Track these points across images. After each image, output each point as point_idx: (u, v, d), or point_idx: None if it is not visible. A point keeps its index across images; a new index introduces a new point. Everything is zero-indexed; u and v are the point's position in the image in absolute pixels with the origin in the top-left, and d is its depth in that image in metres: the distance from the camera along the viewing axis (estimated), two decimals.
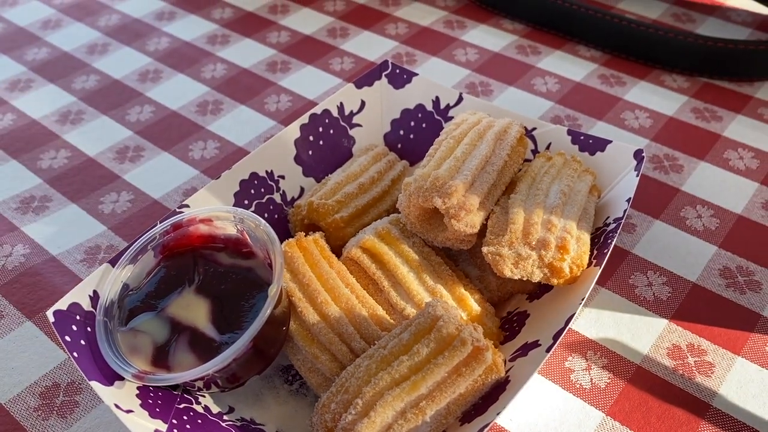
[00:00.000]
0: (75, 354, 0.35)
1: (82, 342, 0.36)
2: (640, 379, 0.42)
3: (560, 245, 0.39)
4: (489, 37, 0.72)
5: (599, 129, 0.60)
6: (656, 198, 0.54)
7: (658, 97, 0.64)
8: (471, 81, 0.66)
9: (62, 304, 0.37)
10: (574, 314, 0.37)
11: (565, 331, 0.37)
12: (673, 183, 0.55)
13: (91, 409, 0.40)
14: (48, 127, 0.62)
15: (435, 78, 0.66)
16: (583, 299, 0.38)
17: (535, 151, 0.50)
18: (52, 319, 0.36)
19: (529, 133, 0.50)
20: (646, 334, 0.44)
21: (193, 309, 0.38)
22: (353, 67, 0.68)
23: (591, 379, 0.42)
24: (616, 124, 0.61)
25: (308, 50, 0.71)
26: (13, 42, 0.73)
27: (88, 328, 0.37)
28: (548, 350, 0.36)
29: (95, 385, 0.34)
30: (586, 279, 0.40)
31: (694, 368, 0.42)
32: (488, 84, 0.66)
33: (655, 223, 0.52)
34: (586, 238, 0.41)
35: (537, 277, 0.40)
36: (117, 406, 0.34)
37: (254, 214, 0.40)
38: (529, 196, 0.43)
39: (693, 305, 0.46)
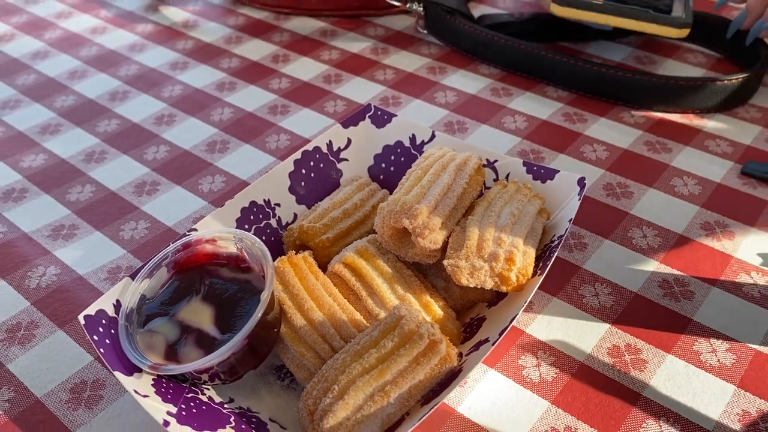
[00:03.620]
0: (101, 350, 0.43)
1: (107, 341, 0.44)
2: (583, 374, 0.49)
3: (508, 258, 0.47)
4: (467, 81, 0.80)
5: (560, 161, 0.68)
6: (607, 220, 0.61)
7: (615, 132, 0.71)
8: (449, 120, 0.74)
9: (91, 310, 0.45)
10: (516, 315, 0.44)
11: (508, 329, 0.44)
12: (623, 207, 0.62)
13: (113, 402, 0.48)
14: (75, 165, 0.71)
15: (418, 117, 0.74)
16: (525, 302, 0.45)
17: (496, 180, 0.58)
18: (83, 322, 0.44)
19: (491, 164, 0.58)
20: (590, 337, 0.51)
21: (200, 314, 0.45)
22: (345, 109, 0.77)
23: (540, 374, 0.49)
24: (576, 157, 0.68)
25: (305, 95, 0.79)
26: (44, 90, 0.83)
27: (112, 331, 0.45)
28: (493, 344, 0.43)
29: (118, 375, 0.42)
30: (530, 286, 0.47)
31: (630, 364, 0.49)
32: (464, 123, 0.74)
33: (604, 242, 0.59)
34: (532, 252, 0.49)
35: (489, 284, 0.47)
36: (136, 392, 0.41)
37: (251, 235, 0.48)
38: (484, 217, 0.50)
39: (633, 312, 0.53)
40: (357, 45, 0.89)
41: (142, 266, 0.48)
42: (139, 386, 0.42)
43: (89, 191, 0.67)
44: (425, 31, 0.89)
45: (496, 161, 0.58)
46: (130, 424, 0.46)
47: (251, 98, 0.79)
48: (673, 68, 0.82)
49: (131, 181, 0.68)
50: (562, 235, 0.50)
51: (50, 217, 0.64)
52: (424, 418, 0.40)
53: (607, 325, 0.52)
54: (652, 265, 0.57)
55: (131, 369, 0.43)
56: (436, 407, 0.41)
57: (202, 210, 0.64)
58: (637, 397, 0.47)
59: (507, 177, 0.57)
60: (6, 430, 0.46)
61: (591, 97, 0.77)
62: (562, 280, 0.56)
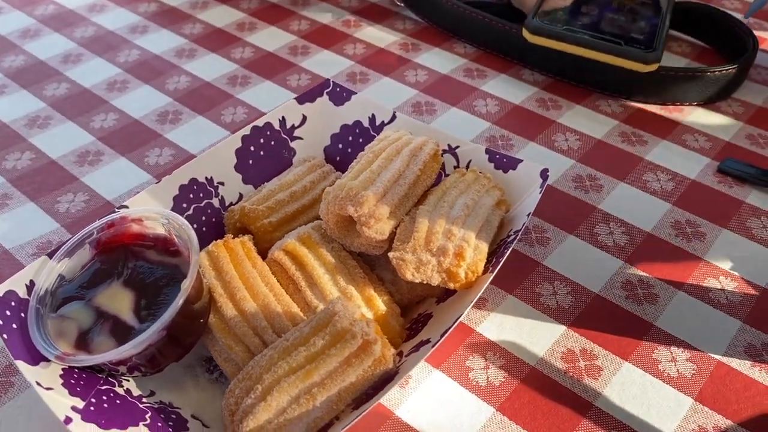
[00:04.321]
0: (5, 336, 0.39)
1: (14, 326, 0.40)
2: (533, 380, 0.46)
3: (457, 252, 0.43)
4: (440, 60, 0.76)
5: (530, 149, 0.64)
6: (573, 215, 0.58)
7: (589, 121, 0.68)
8: (417, 101, 0.70)
9: (1, 288, 0.41)
10: (461, 316, 0.41)
11: (450, 330, 0.40)
12: (591, 201, 0.59)
13: (25, 389, 0.44)
14: (16, 130, 0.66)
15: (385, 97, 0.70)
16: (472, 302, 0.42)
17: (457, 167, 0.54)
18: None
19: (452, 150, 0.54)
20: (543, 339, 0.48)
21: (118, 299, 0.41)
22: (309, 84, 0.72)
23: (487, 377, 0.46)
24: (546, 145, 0.65)
25: (269, 66, 0.75)
26: None
27: (22, 314, 0.41)
28: (434, 345, 0.40)
29: (20, 364, 0.38)
30: (480, 284, 0.44)
31: (584, 371, 0.46)
32: (433, 104, 0.70)
33: (568, 238, 0.56)
34: (484, 247, 0.45)
35: (436, 281, 0.44)
36: (38, 384, 0.38)
37: (180, 216, 0.44)
38: (436, 208, 0.47)
39: (592, 314, 0.50)
40: (328, 15, 0.84)
41: (62, 244, 0.44)
42: (45, 377, 0.38)
43: (28, 158, 0.63)
44: (402, 4, 0.85)
45: (457, 147, 0.54)
46: (41, 413, 0.43)
47: (211, 67, 0.75)
48: None
49: (74, 149, 0.64)
50: (519, 230, 0.46)
51: None
52: (352, 423, 0.37)
53: (563, 327, 0.49)
54: (617, 265, 0.54)
55: (38, 358, 0.39)
56: (365, 412, 0.37)
57: (146, 185, 0.60)
58: (589, 407, 0.44)
59: (468, 165, 0.54)
60: None
61: (568, 82, 0.73)
62: (519, 276, 0.52)
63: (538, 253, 0.54)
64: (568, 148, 0.65)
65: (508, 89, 0.72)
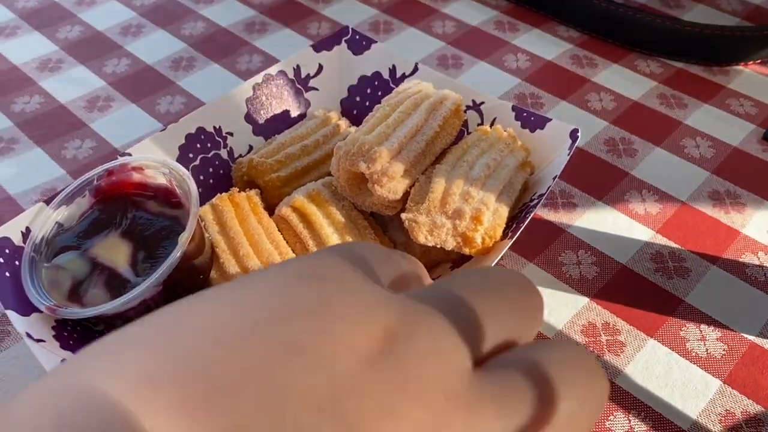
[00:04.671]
0: None
1: (7, 274, 0.39)
2: None
3: (475, 216, 0.40)
4: (470, 11, 0.72)
5: (561, 109, 0.60)
6: (604, 180, 0.54)
7: (626, 81, 0.63)
8: (443, 53, 0.67)
9: None
10: None
11: None
12: (623, 166, 0.55)
13: (20, 340, 0.43)
14: (27, 73, 0.64)
15: (409, 49, 0.67)
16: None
17: (481, 125, 0.51)
18: None
19: (476, 106, 0.51)
20: (564, 311, 0.45)
21: (115, 251, 0.39)
22: (329, 33, 0.69)
23: None
24: (579, 105, 0.61)
25: (288, 12, 0.72)
26: None
27: (17, 262, 0.39)
28: None
29: (11, 314, 0.37)
30: (497, 250, 0.41)
31: (605, 346, 0.43)
32: (460, 57, 0.66)
33: (596, 204, 0.52)
34: (504, 211, 0.42)
35: (450, 245, 0.41)
36: (28, 335, 0.36)
37: (181, 166, 0.42)
38: (455, 167, 0.43)
39: (617, 286, 0.47)
40: None
41: (61, 191, 0.42)
42: (35, 329, 0.37)
43: (36, 102, 0.61)
44: None
45: (482, 103, 0.51)
46: (37, 365, 0.42)
47: (228, 12, 0.72)
48: (703, 14, 0.72)
49: (84, 94, 0.62)
50: (543, 194, 0.43)
51: None
52: None
53: (585, 299, 0.46)
54: (647, 235, 0.50)
55: (30, 309, 0.38)
56: None
57: (152, 133, 0.57)
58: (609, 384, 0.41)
59: (492, 123, 0.50)
60: None
61: (605, 40, 0.68)
62: (541, 243, 0.49)
63: (564, 219, 0.51)
64: (602, 109, 0.60)
65: (542, 44, 0.68)
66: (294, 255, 0.43)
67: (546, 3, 0.71)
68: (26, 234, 0.41)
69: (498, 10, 0.73)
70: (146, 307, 0.39)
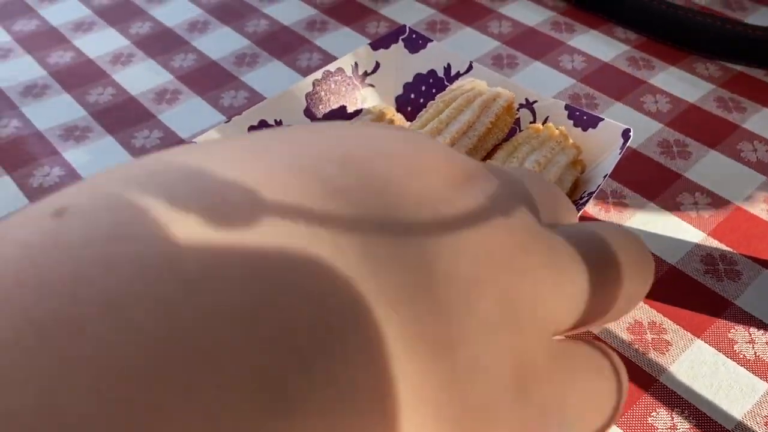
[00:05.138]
0: None
1: None
2: None
3: None
4: (526, 12, 0.73)
5: (615, 110, 0.61)
6: (656, 181, 0.54)
7: (684, 84, 0.63)
8: (498, 53, 0.68)
9: None
10: None
11: None
12: (677, 168, 0.55)
13: None
14: (101, 66, 0.68)
15: (464, 47, 0.68)
16: None
17: (533, 123, 0.51)
18: None
19: (529, 104, 0.52)
20: None
21: None
22: (387, 32, 0.71)
23: None
24: (634, 107, 0.61)
25: (347, 13, 0.74)
26: None
27: None
28: None
29: None
30: None
31: (651, 344, 0.44)
32: (515, 57, 0.67)
33: (648, 205, 0.52)
34: None
35: None
36: None
37: None
38: (505, 163, 0.45)
39: (665, 286, 0.47)
40: None
41: None
42: None
43: (109, 94, 0.64)
44: None
45: (535, 102, 0.52)
46: None
47: (290, 11, 0.74)
48: (766, 17, 0.71)
49: (153, 87, 0.65)
50: (593, 192, 0.44)
51: (66, 117, 0.62)
52: None
53: None
54: (698, 237, 0.50)
55: None
56: None
57: (217, 125, 0.60)
58: (653, 381, 0.42)
59: (545, 121, 0.51)
60: None
61: (663, 42, 0.68)
62: None
63: (614, 218, 0.51)
64: (657, 111, 0.60)
65: (598, 46, 0.68)
66: None
67: (603, 4, 0.71)
68: None
69: (555, 11, 0.73)
70: None
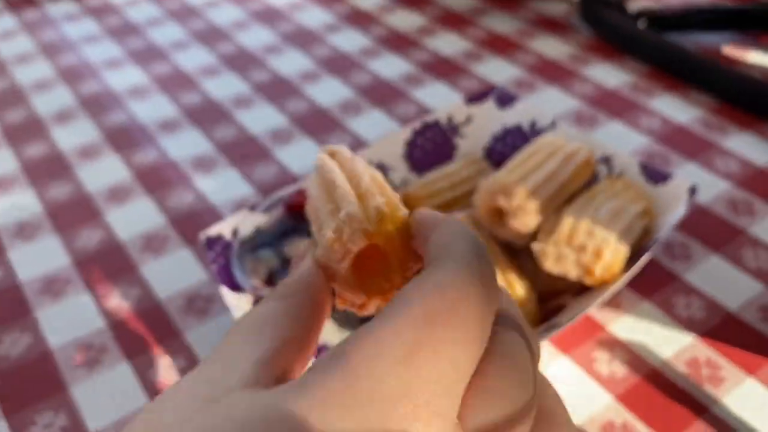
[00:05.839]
0: (215, 266, 0.49)
1: (221, 260, 0.50)
2: (654, 377, 0.49)
3: (596, 251, 0.48)
4: (608, 74, 0.79)
5: (687, 168, 0.66)
6: (721, 235, 0.59)
7: (753, 149, 0.68)
8: (581, 111, 0.74)
9: (212, 232, 0.52)
10: (590, 306, 0.45)
11: (579, 316, 0.45)
12: (741, 225, 0.60)
13: (220, 315, 0.55)
14: (226, 108, 0.79)
15: (550, 106, 0.75)
16: (603, 297, 0.46)
17: (609, 176, 0.58)
18: (204, 240, 0.51)
19: (606, 159, 0.58)
20: (671, 344, 0.51)
21: (300, 250, 0.50)
22: (479, 88, 0.79)
23: (610, 369, 0.49)
24: (705, 166, 0.66)
25: (444, 69, 0.82)
26: (237, 63, 0.92)
27: (227, 252, 0.51)
28: (560, 328, 0.45)
29: (223, 290, 0.48)
30: (613, 283, 0.48)
31: (705, 379, 0.48)
32: (596, 116, 0.73)
33: (711, 257, 0.57)
34: (623, 250, 0.49)
35: (573, 274, 0.48)
36: (234, 307, 0.47)
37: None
38: (583, 208, 0.51)
39: (723, 330, 0.52)
40: (505, 25, 0.90)
41: (262, 202, 0.54)
42: (239, 302, 0.48)
43: (233, 132, 0.75)
44: (579, 20, 0.88)
45: (612, 157, 0.58)
46: None
47: (391, 65, 0.83)
48: None
49: (270, 128, 0.75)
50: (659, 240, 0.49)
51: (196, 149, 0.72)
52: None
53: (691, 337, 0.51)
54: (757, 289, 0.54)
55: (236, 287, 0.49)
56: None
57: None
58: (705, 410, 0.46)
59: (620, 175, 0.57)
60: (130, 322, 0.54)
61: (737, 107, 0.73)
62: (657, 285, 0.55)
63: (679, 267, 0.57)
64: (727, 172, 0.65)
65: (674, 107, 0.73)
66: None
67: (681, 69, 0.77)
68: (235, 232, 0.53)
69: (635, 74, 0.79)
70: None
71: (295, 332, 0.26)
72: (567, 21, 0.90)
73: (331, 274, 0.27)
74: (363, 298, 0.28)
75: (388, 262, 0.28)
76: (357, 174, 0.29)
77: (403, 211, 0.28)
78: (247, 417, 0.20)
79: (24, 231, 0.63)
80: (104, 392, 0.49)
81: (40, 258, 0.60)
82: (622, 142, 0.69)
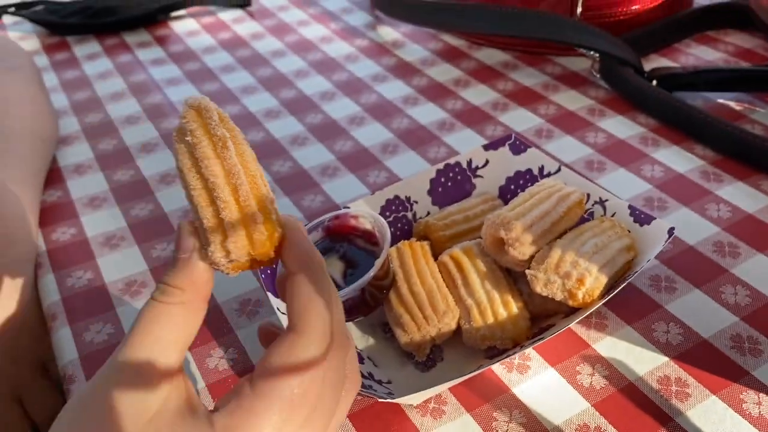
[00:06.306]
0: (263, 276, 0.61)
1: (268, 271, 0.62)
2: (629, 391, 0.57)
3: (579, 278, 0.57)
4: (620, 126, 0.88)
5: (680, 213, 0.74)
6: (705, 273, 0.67)
7: (747, 197, 0.75)
8: (590, 159, 0.83)
9: None
10: (569, 324, 0.54)
11: (560, 331, 0.54)
12: (725, 265, 0.68)
13: (271, 316, 0.66)
14: (283, 144, 0.91)
15: (562, 152, 0.84)
16: (581, 316, 0.55)
17: (603, 216, 0.67)
18: None
19: (602, 202, 0.67)
20: (647, 363, 0.59)
21: (334, 267, 0.61)
22: (502, 134, 0.89)
23: (591, 381, 0.58)
24: (698, 212, 0.74)
25: (473, 117, 0.93)
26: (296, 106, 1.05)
27: (273, 264, 0.63)
28: (544, 339, 0.54)
29: (270, 295, 0.59)
30: (593, 305, 0.57)
31: (674, 394, 0.56)
32: (604, 163, 0.82)
33: (694, 291, 0.65)
34: (604, 279, 0.58)
35: (559, 297, 0.57)
36: (278, 309, 0.58)
37: (383, 220, 0.63)
38: (570, 243, 0.60)
39: (696, 354, 0.59)
40: (531, 79, 1.00)
41: (306, 225, 0.65)
42: (282, 306, 0.59)
43: (288, 166, 0.87)
44: (598, 75, 0.98)
45: (606, 200, 0.67)
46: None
47: (427, 113, 0.94)
48: None
49: (320, 164, 0.87)
50: (636, 271, 0.58)
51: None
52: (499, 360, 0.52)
53: (666, 358, 0.59)
54: (732, 320, 0.62)
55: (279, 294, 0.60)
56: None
57: (363, 195, 0.80)
58: (669, 420, 0.54)
59: (613, 215, 0.66)
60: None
61: (736, 160, 0.81)
62: (641, 312, 0.63)
63: (664, 298, 0.65)
64: (718, 217, 0.73)
65: (677, 159, 0.82)
66: (447, 290, 0.62)
67: (686, 124, 0.85)
68: None
69: (645, 127, 0.88)
70: (349, 304, 0.59)
71: (192, 334, 0.36)
72: (587, 76, 0.99)
73: (215, 267, 0.37)
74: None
75: (261, 261, 0.38)
76: (235, 172, 0.35)
77: (279, 231, 0.37)
78: None
79: (110, 241, 0.76)
80: None
81: (123, 264, 0.73)
82: (627, 187, 0.78)
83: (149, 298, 0.35)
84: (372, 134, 0.92)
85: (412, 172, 0.83)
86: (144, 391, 0.32)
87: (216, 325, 0.65)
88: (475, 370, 0.54)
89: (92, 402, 0.33)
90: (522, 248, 0.60)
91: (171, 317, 0.35)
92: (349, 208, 0.68)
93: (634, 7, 1.04)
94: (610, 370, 0.59)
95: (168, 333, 0.34)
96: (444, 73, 1.04)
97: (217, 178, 0.34)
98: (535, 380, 0.58)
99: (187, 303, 0.36)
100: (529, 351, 0.60)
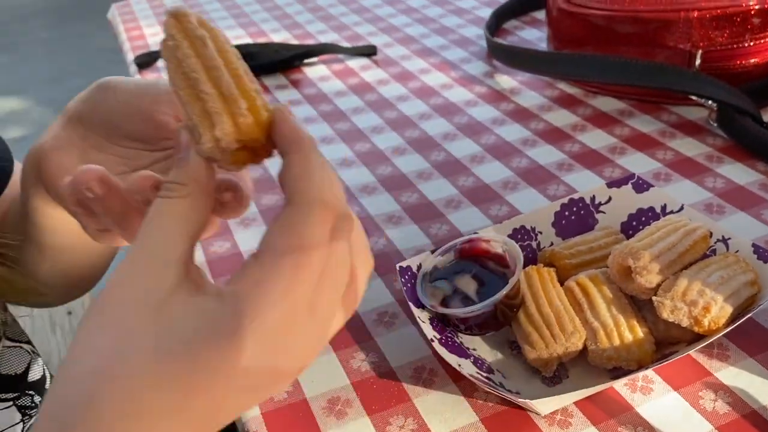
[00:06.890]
0: (405, 287, 0.67)
1: (408, 285, 0.68)
2: (752, 416, 0.59)
3: (705, 306, 0.60)
4: (739, 172, 0.91)
5: None
6: None
7: None
8: (710, 202, 0.86)
9: (404, 264, 0.70)
10: (692, 349, 0.58)
11: (677, 356, 0.58)
12: None
13: (403, 326, 0.72)
14: (409, 178, 0.99)
15: (682, 194, 0.88)
16: (704, 343, 0.58)
17: (725, 253, 0.69)
18: (398, 268, 0.69)
19: (724, 240, 0.70)
20: None
21: (468, 285, 0.67)
22: (619, 176, 0.93)
23: (714, 406, 0.60)
24: None
25: (591, 159, 0.98)
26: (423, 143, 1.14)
27: (412, 281, 0.69)
28: (666, 360, 0.57)
29: (412, 306, 0.66)
30: (717, 333, 0.60)
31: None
32: (723, 207, 0.85)
33: None
34: (729, 309, 0.61)
35: (685, 323, 0.61)
36: (419, 318, 0.65)
37: (514, 243, 0.68)
38: (697, 273, 0.64)
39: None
40: (648, 126, 1.04)
41: (439, 248, 0.72)
42: (422, 316, 0.65)
43: (416, 197, 0.94)
44: (715, 125, 1.01)
45: (729, 239, 0.70)
46: (411, 340, 0.70)
47: (546, 154, 1.00)
48: None
49: (444, 197, 0.94)
50: (760, 304, 0.61)
51: (388, 208, 0.92)
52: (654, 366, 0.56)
53: None
54: None
55: (419, 304, 0.67)
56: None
57: (486, 226, 0.86)
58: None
59: (736, 252, 0.69)
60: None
61: None
62: (763, 347, 0.65)
63: None
64: None
65: None
66: (574, 314, 0.66)
67: None
68: (418, 267, 0.71)
69: (764, 174, 0.90)
70: (482, 318, 0.65)
71: (199, 225, 0.35)
72: (703, 125, 1.02)
73: (212, 161, 0.36)
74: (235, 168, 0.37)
75: (255, 147, 0.36)
76: (215, 65, 0.35)
77: (265, 114, 0.36)
78: (197, 322, 0.32)
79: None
80: (316, 370, 0.68)
81: None
82: (747, 229, 0.80)
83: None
84: (493, 172, 0.98)
85: (533, 208, 0.89)
86: (151, 279, 0.33)
87: (357, 332, 0.72)
88: (603, 383, 0.58)
89: (102, 296, 0.33)
90: (649, 276, 0.64)
91: (174, 210, 0.34)
92: (477, 233, 0.74)
93: (752, 61, 1.06)
94: (733, 397, 0.61)
95: (172, 224, 0.34)
96: (561, 118, 1.10)
97: (197, 73, 0.35)
98: (659, 401, 0.61)
99: (189, 196, 0.35)
100: (653, 374, 0.64)
